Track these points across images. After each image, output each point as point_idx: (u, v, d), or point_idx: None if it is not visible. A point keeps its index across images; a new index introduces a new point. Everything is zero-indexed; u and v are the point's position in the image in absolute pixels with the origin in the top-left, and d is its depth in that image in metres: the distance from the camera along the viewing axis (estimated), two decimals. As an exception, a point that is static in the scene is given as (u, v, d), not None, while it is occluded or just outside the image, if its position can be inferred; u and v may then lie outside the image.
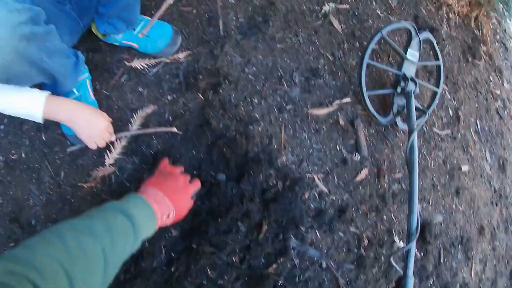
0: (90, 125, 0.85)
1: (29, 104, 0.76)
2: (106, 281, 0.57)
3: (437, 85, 1.36)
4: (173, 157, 1.03)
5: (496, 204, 1.59)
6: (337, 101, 1.18)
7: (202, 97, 1.08)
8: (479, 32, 1.92)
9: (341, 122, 1.16)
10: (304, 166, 1.10)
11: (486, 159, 1.60)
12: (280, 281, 1.01)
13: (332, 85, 1.21)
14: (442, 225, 1.32)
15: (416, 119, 1.18)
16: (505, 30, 2.31)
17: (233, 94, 1.10)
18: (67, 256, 0.50)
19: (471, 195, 1.45)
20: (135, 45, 1.07)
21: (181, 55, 1.12)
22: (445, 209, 1.35)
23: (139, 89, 1.08)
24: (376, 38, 1.17)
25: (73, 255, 0.51)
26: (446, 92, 1.53)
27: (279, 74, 1.16)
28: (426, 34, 1.31)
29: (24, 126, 0.98)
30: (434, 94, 1.35)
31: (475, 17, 1.91)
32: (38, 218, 0.95)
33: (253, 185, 1.02)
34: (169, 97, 1.07)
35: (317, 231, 1.06)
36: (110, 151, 0.98)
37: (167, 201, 0.80)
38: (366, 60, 1.15)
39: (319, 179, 1.10)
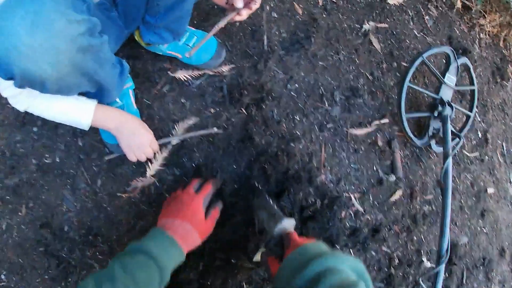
0: (134, 136, 0.86)
1: (78, 112, 0.77)
2: None
3: (471, 110, 1.38)
4: (214, 170, 1.05)
5: (517, 227, 1.63)
6: (376, 122, 1.20)
7: (245, 112, 1.10)
8: (507, 51, 1.93)
9: (379, 143, 1.19)
10: (342, 185, 1.13)
11: (510, 181, 1.63)
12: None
13: (371, 105, 1.24)
14: (467, 246, 1.35)
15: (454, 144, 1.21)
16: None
17: (275, 111, 1.13)
18: None
19: (495, 217, 1.49)
20: (179, 55, 1.08)
21: (225, 68, 1.14)
22: (470, 230, 1.38)
23: (182, 100, 1.10)
24: (418, 62, 1.20)
25: None
26: (476, 114, 1.56)
27: (320, 92, 1.19)
28: (464, 60, 1.33)
29: (60, 130, 0.99)
30: (467, 118, 1.38)
31: (504, 38, 1.93)
32: (71, 224, 0.95)
33: (292, 203, 1.05)
34: (212, 110, 1.09)
35: (351, 250, 1.09)
36: (152, 162, 0.99)
37: (181, 223, 0.79)
38: (407, 83, 1.18)
39: (355, 199, 1.13)
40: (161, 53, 1.09)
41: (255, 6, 0.76)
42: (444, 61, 1.41)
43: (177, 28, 0.99)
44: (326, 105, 1.18)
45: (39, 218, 0.94)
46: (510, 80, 1.85)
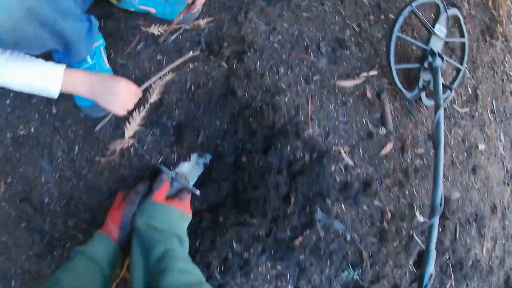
0: (112, 92, 0.82)
1: (46, 79, 0.72)
2: None
3: (461, 62, 1.37)
4: (196, 128, 1.02)
5: (508, 184, 1.65)
6: (364, 73, 1.18)
7: (225, 65, 1.06)
8: (496, 12, 1.93)
9: (368, 94, 1.17)
10: (331, 139, 1.11)
11: (500, 139, 1.65)
12: (305, 254, 1.03)
13: (358, 57, 1.21)
14: (459, 201, 1.36)
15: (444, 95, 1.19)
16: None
17: (258, 63, 1.09)
18: None
19: (486, 174, 1.50)
20: (152, 10, 1.03)
21: (202, 22, 1.08)
22: (462, 186, 1.39)
23: (157, 57, 1.05)
24: (407, 10, 1.17)
25: None
26: (466, 70, 1.55)
27: (305, 43, 1.15)
28: (454, 11, 1.31)
29: (33, 99, 0.95)
30: (458, 71, 1.37)
31: (492, -4, 1.92)
32: (51, 196, 0.93)
33: (280, 158, 1.03)
34: (190, 65, 1.04)
35: (342, 204, 1.08)
36: (129, 123, 0.95)
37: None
38: (396, 33, 1.15)
39: (345, 152, 1.11)
40: (133, 9, 1.03)
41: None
42: (433, 14, 1.39)
43: None
44: (312, 56, 1.14)
45: (18, 193, 0.92)
46: (499, 39, 1.85)
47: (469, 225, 1.40)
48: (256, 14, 1.12)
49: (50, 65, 0.74)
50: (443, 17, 1.26)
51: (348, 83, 1.14)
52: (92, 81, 0.79)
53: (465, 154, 1.42)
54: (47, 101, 0.95)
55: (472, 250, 1.41)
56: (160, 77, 1.01)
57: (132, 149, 0.97)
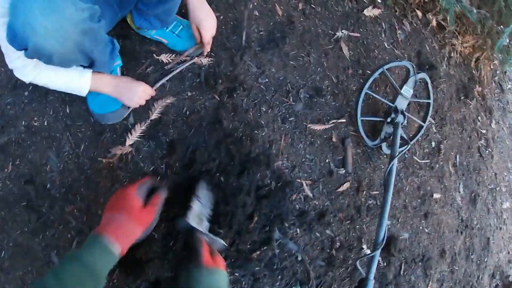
0: (131, 89, 1.07)
1: (78, 80, 0.95)
2: None
3: (424, 120, 1.63)
4: (185, 146, 1.26)
5: (461, 233, 1.89)
6: (333, 120, 1.44)
7: (218, 98, 1.32)
8: (477, 72, 2.20)
9: (334, 139, 1.42)
10: (296, 172, 1.36)
11: (459, 191, 1.89)
12: (261, 266, 1.27)
13: (331, 105, 1.47)
14: (407, 242, 1.60)
15: (400, 147, 1.45)
16: (505, 72, 2.60)
17: (245, 100, 1.34)
18: None
19: (438, 221, 1.74)
20: (165, 41, 1.27)
21: (205, 59, 1.34)
22: (412, 228, 1.63)
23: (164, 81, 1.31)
24: (378, 72, 1.43)
25: None
26: (433, 125, 1.81)
27: (288, 88, 1.41)
28: (423, 75, 1.57)
29: (49, 96, 1.10)
30: (420, 127, 1.63)
31: (476, 59, 2.19)
32: (53, 183, 1.08)
33: (250, 182, 1.27)
34: (188, 93, 1.30)
35: (298, 229, 1.32)
36: (131, 133, 1.18)
37: (113, 215, 0.85)
38: (365, 89, 1.41)
39: (306, 185, 1.36)
40: (149, 37, 1.29)
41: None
42: (405, 75, 1.65)
43: (165, 18, 1.19)
44: (291, 100, 1.40)
45: (24, 175, 1.06)
46: (475, 99, 2.12)
47: (415, 265, 1.63)
48: (250, 57, 1.39)
49: (80, 69, 0.96)
50: (411, 80, 1.52)
51: (318, 127, 1.40)
52: (117, 82, 1.04)
53: (419, 201, 1.66)
54: (62, 100, 1.12)
55: (416, 287, 1.65)
56: (164, 96, 1.26)
57: (130, 155, 1.18)
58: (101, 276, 0.74)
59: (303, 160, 1.38)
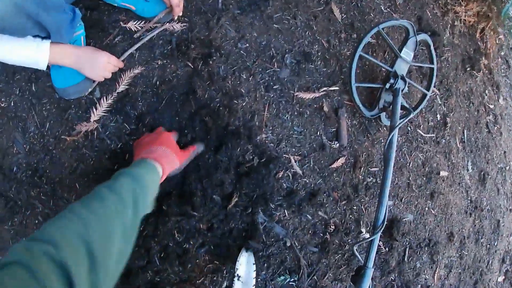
0: (94, 61, 0.93)
1: (34, 50, 0.82)
2: (128, 241, 0.60)
3: (428, 88, 1.40)
4: (156, 121, 1.07)
5: (470, 215, 1.66)
6: (325, 88, 1.22)
7: (191, 66, 1.11)
8: (483, 44, 1.95)
9: (325, 108, 1.20)
10: (282, 146, 1.15)
11: (467, 169, 1.66)
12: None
13: (322, 71, 1.25)
14: (412, 224, 1.38)
15: (401, 117, 1.22)
16: (511, 48, 2.34)
17: (222, 67, 1.14)
18: (80, 223, 0.52)
19: (446, 201, 1.51)
20: (132, 7, 1.09)
21: (177, 25, 1.14)
22: (417, 209, 1.40)
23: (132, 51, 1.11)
24: (373, 31, 1.21)
25: (86, 221, 0.53)
26: (438, 96, 1.58)
27: (271, 53, 1.20)
28: (424, 36, 1.34)
29: (16, 75, 1.01)
30: (424, 96, 1.40)
31: (481, 29, 1.95)
32: (19, 166, 0.98)
33: (229, 157, 1.07)
34: (159, 62, 1.10)
35: (285, 210, 1.11)
36: (96, 108, 1.02)
37: (158, 147, 0.86)
38: (359, 51, 1.19)
39: (295, 161, 1.15)
40: (116, 5, 1.10)
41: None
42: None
43: None
44: (275, 66, 1.19)
45: None
46: (482, 71, 1.87)
47: (421, 250, 1.41)
48: (228, 21, 1.18)
49: (37, 40, 0.83)
50: (411, 41, 1.29)
51: (307, 95, 1.18)
52: (78, 53, 0.90)
53: (424, 179, 1.44)
54: (29, 79, 1.01)
55: (422, 274, 1.42)
56: (132, 66, 1.06)
57: (95, 132, 1.03)
58: (149, 190, 0.73)
59: (291, 132, 1.17)
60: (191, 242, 1.05)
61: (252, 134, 1.11)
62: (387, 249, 1.30)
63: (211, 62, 1.13)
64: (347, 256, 1.21)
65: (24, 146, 0.99)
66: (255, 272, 1.04)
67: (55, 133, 1.01)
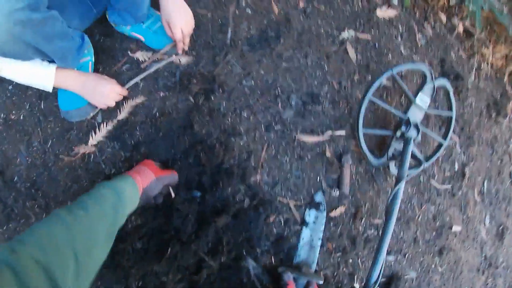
0: (97, 90, 0.85)
1: (41, 76, 0.78)
2: (106, 248, 0.58)
3: (445, 137, 1.11)
4: (152, 151, 0.93)
5: (483, 272, 1.31)
6: (329, 132, 0.99)
7: (192, 100, 0.96)
8: (511, 88, 1.58)
9: (328, 154, 0.98)
10: (278, 190, 0.94)
11: (484, 223, 1.31)
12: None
13: (329, 114, 1.03)
14: (414, 282, 1.09)
15: (411, 168, 0.96)
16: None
17: (224, 104, 0.97)
18: (66, 229, 0.50)
19: (456, 258, 1.19)
20: (141, 38, 0.98)
21: (184, 58, 1.00)
22: (422, 266, 1.11)
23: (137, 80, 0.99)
24: (385, 75, 0.97)
25: (71, 228, 0.50)
26: (457, 145, 1.26)
27: (276, 92, 1.00)
28: (443, 81, 1.07)
29: (29, 91, 0.95)
30: (439, 146, 1.11)
31: (509, 73, 1.58)
32: (20, 176, 0.92)
33: (219, 196, 0.89)
34: (161, 94, 0.97)
35: (273, 257, 0.90)
36: (95, 133, 0.94)
37: (137, 165, 0.82)
38: (369, 96, 0.95)
39: (290, 206, 0.93)
40: (127, 34, 1.00)
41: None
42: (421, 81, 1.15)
43: (136, 12, 0.91)
44: (279, 106, 0.99)
45: None
46: (508, 117, 1.51)
47: (422, 310, 1.11)
48: (235, 57, 1.01)
49: (45, 64, 0.79)
50: (428, 87, 1.02)
51: (310, 139, 0.97)
52: (82, 80, 0.83)
53: (434, 233, 1.14)
54: (39, 96, 0.96)
55: (422, 336, 1.12)
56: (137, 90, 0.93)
57: (92, 156, 0.94)
58: (124, 195, 0.68)
59: (288, 176, 0.96)
60: (170, 276, 0.87)
61: (246, 174, 0.92)
62: (382, 308, 1.03)
63: (212, 97, 0.96)
64: (337, 313, 0.96)
65: (27, 158, 0.93)
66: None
67: (56, 151, 0.94)
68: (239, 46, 1.02)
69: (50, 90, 0.81)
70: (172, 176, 0.84)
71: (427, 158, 1.10)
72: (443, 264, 1.16)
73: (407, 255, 1.08)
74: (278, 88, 1.01)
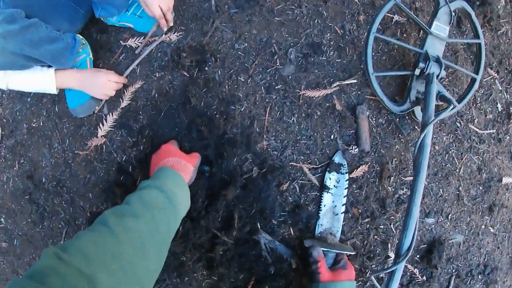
0: (94, 82, 0.87)
1: (43, 82, 0.82)
2: (159, 258, 0.52)
3: (476, 71, 0.90)
4: (156, 133, 0.88)
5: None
6: (338, 82, 0.85)
7: (187, 74, 0.88)
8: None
9: (338, 107, 0.83)
10: (288, 154, 0.82)
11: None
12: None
13: (336, 63, 0.88)
14: (461, 247, 0.91)
15: (441, 110, 0.79)
16: None
17: (219, 72, 0.88)
18: (113, 238, 0.47)
19: (511, 215, 0.98)
20: (130, 25, 0.96)
21: (174, 35, 0.93)
22: (470, 228, 0.92)
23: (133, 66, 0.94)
24: (388, 5, 0.80)
25: (119, 237, 0.47)
26: (497, 81, 1.04)
27: (273, 50, 0.88)
28: (460, 3, 0.86)
29: (44, 99, 0.98)
30: (473, 82, 0.90)
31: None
32: (47, 177, 0.96)
33: (224, 168, 0.80)
34: (157, 75, 0.91)
35: (291, 228, 0.79)
36: (102, 124, 0.93)
37: (174, 159, 0.73)
38: (373, 31, 0.79)
39: (303, 170, 0.81)
40: (116, 25, 0.97)
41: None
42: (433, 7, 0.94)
43: (113, 1, 0.88)
44: (278, 64, 0.87)
45: (26, 172, 0.98)
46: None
47: (472, 278, 0.92)
48: (224, 22, 0.91)
49: (45, 69, 0.81)
50: (443, 12, 0.83)
51: (316, 93, 0.83)
52: (79, 76, 0.85)
53: (481, 188, 0.94)
54: (53, 101, 0.98)
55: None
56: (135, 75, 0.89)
57: (104, 146, 0.93)
58: (175, 200, 0.60)
59: (298, 138, 0.84)
60: (187, 255, 0.81)
61: (251, 141, 0.81)
62: (424, 278, 0.87)
63: (206, 68, 0.88)
64: (369, 285, 0.82)
65: (51, 160, 0.97)
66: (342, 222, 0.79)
67: (73, 148, 0.97)
68: (225, 10, 0.91)
69: (55, 91, 0.84)
70: (199, 159, 0.78)
71: (460, 99, 0.90)
72: (495, 224, 0.95)
73: (450, 216, 0.90)
74: (274, 45, 0.88)
